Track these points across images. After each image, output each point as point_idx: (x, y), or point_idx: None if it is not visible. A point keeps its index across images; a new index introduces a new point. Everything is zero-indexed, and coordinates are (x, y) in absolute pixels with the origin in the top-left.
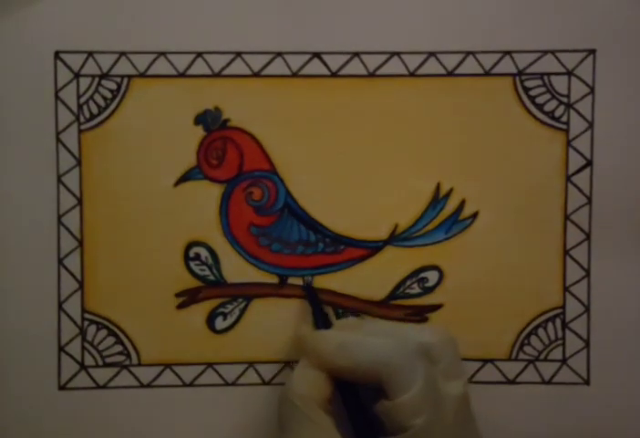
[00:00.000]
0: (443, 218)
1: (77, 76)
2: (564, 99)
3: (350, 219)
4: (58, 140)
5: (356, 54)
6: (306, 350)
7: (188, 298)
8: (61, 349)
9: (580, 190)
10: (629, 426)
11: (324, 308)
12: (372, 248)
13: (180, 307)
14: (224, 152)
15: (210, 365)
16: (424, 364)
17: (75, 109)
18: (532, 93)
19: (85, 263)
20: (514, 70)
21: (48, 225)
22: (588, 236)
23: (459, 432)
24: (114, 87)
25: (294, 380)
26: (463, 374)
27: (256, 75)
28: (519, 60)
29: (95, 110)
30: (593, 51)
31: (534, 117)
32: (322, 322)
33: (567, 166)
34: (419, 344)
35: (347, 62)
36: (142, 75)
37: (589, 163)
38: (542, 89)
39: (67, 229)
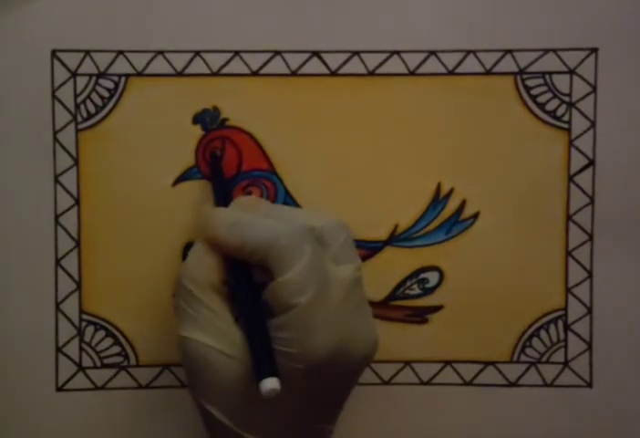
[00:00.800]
0: (444, 218)
1: (74, 75)
2: (566, 98)
3: (350, 219)
4: (55, 140)
5: (356, 52)
6: (201, 227)
7: None
8: (59, 349)
9: (582, 190)
10: (632, 429)
11: (226, 185)
12: (372, 249)
13: None
14: (223, 152)
15: None
16: (312, 246)
17: (72, 108)
18: (534, 92)
19: (82, 263)
20: (515, 69)
21: (46, 226)
22: (591, 237)
23: (347, 315)
24: (111, 86)
25: (188, 264)
26: (355, 259)
27: (255, 74)
28: (520, 59)
29: (92, 110)
30: (594, 50)
31: (536, 116)
32: (221, 199)
33: (569, 166)
34: (310, 227)
35: (347, 61)
36: (140, 74)
37: (591, 163)
38: (544, 88)
39: (65, 229)
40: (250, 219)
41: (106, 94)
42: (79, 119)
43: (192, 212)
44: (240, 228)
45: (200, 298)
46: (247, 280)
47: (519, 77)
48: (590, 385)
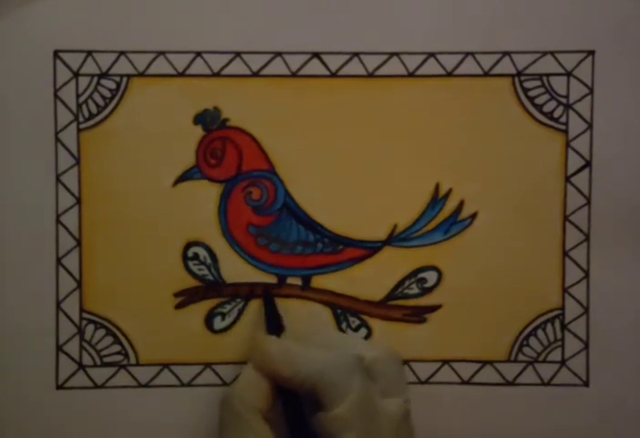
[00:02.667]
0: (442, 219)
1: (76, 75)
2: (563, 100)
3: (349, 219)
4: (57, 140)
5: (356, 54)
6: (253, 354)
7: (186, 298)
8: (59, 348)
9: (579, 190)
10: (628, 427)
11: (278, 314)
12: (371, 248)
13: (179, 306)
14: (223, 152)
15: (208, 365)
16: (361, 379)
17: (74, 108)
18: (531, 94)
19: (83, 262)
20: (513, 71)
21: (47, 225)
22: (587, 237)
23: None
24: (113, 86)
25: (238, 385)
26: (404, 393)
27: (255, 75)
28: (518, 61)
29: (94, 110)
30: (592, 52)
31: (533, 117)
32: (273, 327)
33: (566, 167)
34: (359, 359)
35: (347, 62)
36: (141, 74)
37: (588, 164)
38: (541, 90)
39: (66, 228)
40: (300, 349)
41: (107, 94)
42: (81, 119)
43: (192, 212)
44: (290, 358)
45: (248, 422)
46: (295, 408)
47: (517, 78)
48: (586, 384)
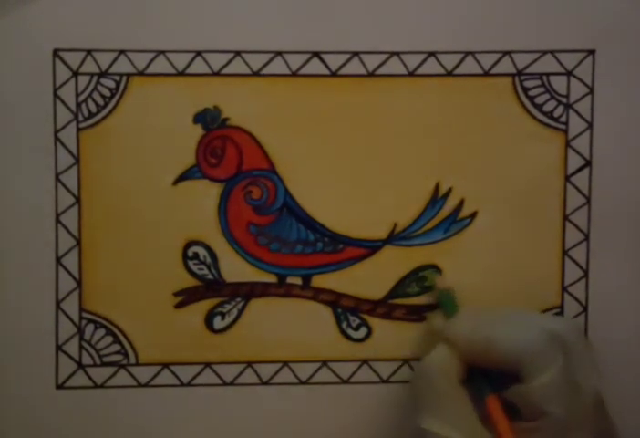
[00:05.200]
0: (442, 218)
1: (75, 74)
2: (563, 100)
3: (349, 218)
4: (57, 139)
5: (356, 53)
6: (445, 338)
7: (186, 298)
8: (59, 348)
9: (579, 190)
10: (628, 427)
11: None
12: (371, 247)
13: (179, 306)
14: (223, 151)
15: (208, 365)
16: (559, 354)
17: (73, 107)
18: (532, 93)
19: (83, 262)
20: (513, 70)
21: (46, 224)
22: (587, 237)
23: (596, 427)
24: (113, 85)
25: (434, 359)
26: (597, 366)
27: (256, 74)
28: (518, 60)
29: (93, 109)
30: (592, 51)
31: (533, 117)
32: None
33: (566, 166)
34: (553, 334)
35: (347, 62)
36: (141, 73)
37: (588, 163)
38: (542, 90)
39: (65, 228)
40: (495, 328)
41: (107, 93)
42: (80, 118)
43: (192, 211)
44: (487, 338)
45: (448, 391)
46: (486, 382)
47: (517, 78)
48: None
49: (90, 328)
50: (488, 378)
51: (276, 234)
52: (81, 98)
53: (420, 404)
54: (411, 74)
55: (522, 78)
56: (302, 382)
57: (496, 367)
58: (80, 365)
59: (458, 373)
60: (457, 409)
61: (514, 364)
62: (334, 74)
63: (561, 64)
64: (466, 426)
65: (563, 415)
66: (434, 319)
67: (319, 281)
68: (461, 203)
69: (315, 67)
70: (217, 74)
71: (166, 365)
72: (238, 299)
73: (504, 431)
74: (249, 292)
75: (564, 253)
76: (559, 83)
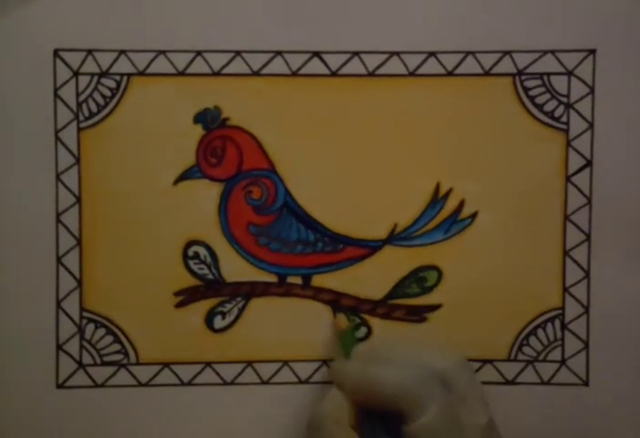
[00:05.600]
0: (442, 218)
1: (76, 74)
2: (564, 99)
3: (349, 218)
4: (57, 139)
5: (356, 53)
6: (333, 377)
7: (186, 297)
8: (59, 347)
9: (580, 190)
10: (628, 427)
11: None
12: (371, 248)
13: (179, 305)
14: (224, 151)
15: (208, 364)
16: (439, 391)
17: (74, 107)
18: (532, 93)
19: (83, 261)
20: (514, 70)
21: (47, 224)
22: (588, 237)
23: None
24: (113, 85)
25: (327, 406)
26: (483, 400)
27: (256, 74)
28: (519, 60)
29: (94, 109)
30: (592, 51)
31: (534, 117)
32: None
33: (567, 166)
34: (433, 370)
35: (347, 61)
36: (142, 73)
37: (589, 164)
38: (542, 89)
39: (66, 227)
40: (377, 368)
41: (107, 93)
42: (81, 117)
43: (192, 211)
44: (369, 381)
45: (339, 435)
46: (376, 427)
47: (517, 78)
48: (586, 383)
49: (91, 327)
50: (382, 420)
51: (276, 234)
52: (82, 97)
53: None
54: (412, 74)
55: (523, 77)
56: (302, 382)
57: (383, 408)
58: (81, 364)
59: (349, 418)
60: None
61: (397, 404)
62: (334, 74)
63: (561, 64)
64: None
65: None
66: (334, 364)
67: (319, 281)
68: (462, 203)
69: (316, 66)
70: (217, 74)
71: (166, 364)
72: (238, 299)
73: None
74: (249, 292)
75: (565, 253)
76: (559, 83)
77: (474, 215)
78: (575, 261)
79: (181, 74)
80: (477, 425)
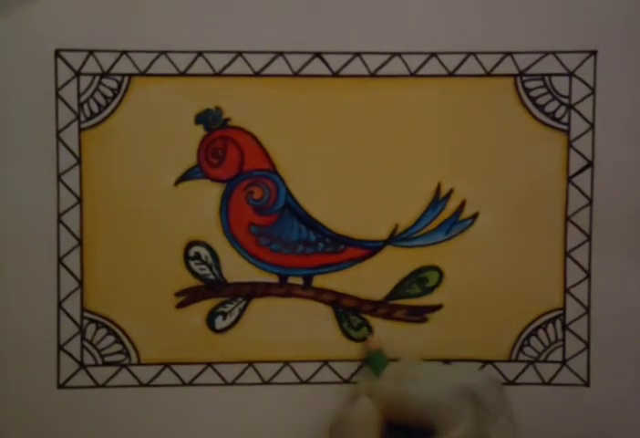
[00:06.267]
0: (443, 219)
1: (77, 74)
2: (565, 100)
3: (350, 219)
4: (59, 139)
5: (358, 54)
6: (371, 395)
7: (187, 298)
8: (60, 347)
9: (581, 191)
10: (629, 427)
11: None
12: (372, 248)
13: (180, 306)
14: (225, 152)
15: (209, 364)
16: (472, 406)
17: (75, 107)
18: (533, 94)
19: (84, 262)
20: (515, 71)
21: (48, 224)
22: (589, 237)
23: None
24: (114, 85)
25: (354, 409)
26: (513, 421)
27: (257, 74)
28: (520, 61)
29: (95, 109)
30: (594, 52)
31: (535, 118)
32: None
33: (568, 167)
34: (465, 387)
35: (348, 62)
36: (143, 74)
37: (590, 164)
38: (543, 90)
39: (67, 228)
40: (410, 389)
41: (109, 93)
42: (82, 118)
43: (193, 211)
44: (401, 394)
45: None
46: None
47: (518, 78)
48: (587, 384)
49: (92, 327)
50: (408, 435)
51: (277, 235)
52: (83, 98)
53: None
54: (413, 74)
55: (524, 78)
56: (303, 382)
57: (413, 423)
58: (82, 365)
59: (377, 428)
60: None
61: (427, 419)
62: (335, 74)
63: (562, 65)
64: None
65: None
66: (362, 380)
67: (320, 281)
68: (463, 204)
69: (317, 67)
70: (218, 74)
71: (167, 365)
72: (239, 299)
73: None
74: (250, 292)
75: (566, 254)
76: (561, 84)
77: (475, 216)
78: (576, 261)
79: (183, 74)
80: None
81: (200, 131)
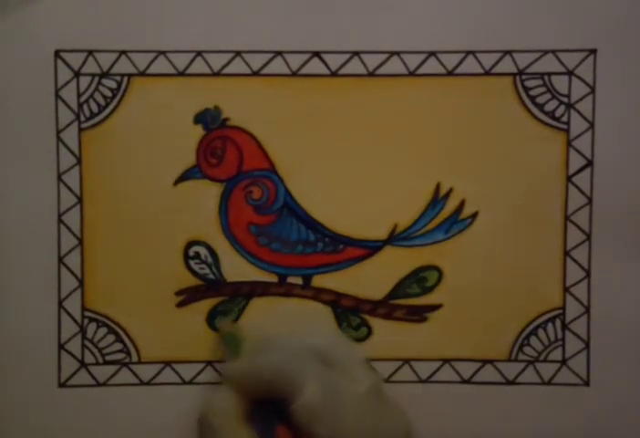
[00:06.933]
0: (443, 218)
1: (77, 75)
2: (565, 99)
3: (350, 218)
4: (59, 139)
5: (356, 53)
6: (224, 380)
7: (187, 297)
8: (61, 346)
9: (580, 190)
10: (629, 427)
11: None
12: (371, 248)
13: (180, 305)
14: (224, 151)
15: (209, 363)
16: (316, 368)
17: (75, 107)
18: (533, 93)
19: (85, 261)
20: (514, 70)
21: (49, 224)
22: (588, 237)
23: (369, 425)
24: (114, 85)
25: (212, 400)
26: (364, 369)
27: (256, 74)
28: (519, 60)
29: (95, 109)
30: (593, 51)
31: (534, 117)
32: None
33: (567, 166)
34: (309, 349)
35: (347, 61)
36: (142, 74)
37: (589, 163)
38: (543, 89)
39: (68, 227)
40: (256, 362)
41: (108, 94)
42: (82, 118)
43: (193, 211)
44: (252, 370)
45: (227, 433)
46: (272, 416)
47: (518, 77)
48: (587, 383)
49: (92, 326)
50: (275, 408)
51: (277, 234)
52: (83, 98)
53: None
54: (412, 74)
55: (523, 77)
56: None
57: (268, 396)
58: (82, 364)
59: (240, 412)
60: None
61: (277, 389)
62: (334, 74)
63: (562, 63)
64: None
65: (329, 434)
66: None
67: (320, 281)
68: (462, 203)
69: (316, 66)
70: (217, 74)
71: (168, 363)
72: (239, 299)
73: None
74: (250, 291)
75: (566, 253)
76: (560, 83)
77: (474, 215)
78: (576, 261)
79: (182, 74)
80: (357, 393)
81: (199, 131)
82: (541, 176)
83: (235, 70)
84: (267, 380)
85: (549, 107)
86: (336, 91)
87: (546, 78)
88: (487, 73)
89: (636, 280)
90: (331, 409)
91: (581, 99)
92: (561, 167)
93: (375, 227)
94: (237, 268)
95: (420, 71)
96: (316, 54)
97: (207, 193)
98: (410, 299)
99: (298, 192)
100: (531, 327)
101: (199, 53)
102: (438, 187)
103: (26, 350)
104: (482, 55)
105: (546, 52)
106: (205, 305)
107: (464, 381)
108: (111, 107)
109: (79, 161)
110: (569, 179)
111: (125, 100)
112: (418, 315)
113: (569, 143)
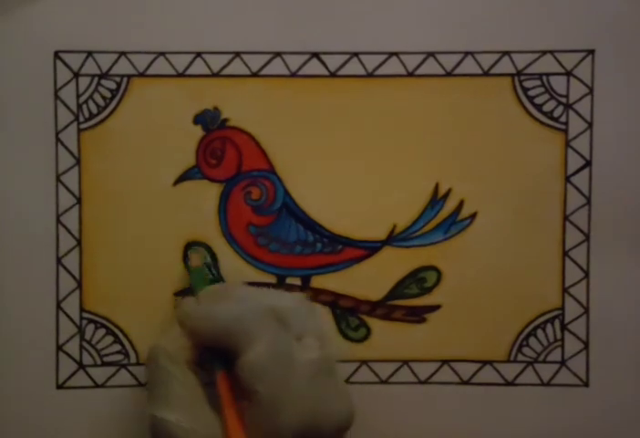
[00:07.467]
0: (442, 219)
1: (76, 75)
2: (563, 100)
3: (348, 219)
4: (58, 140)
5: (355, 54)
6: (176, 312)
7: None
8: (59, 348)
9: (579, 190)
10: (628, 428)
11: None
12: (370, 248)
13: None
14: (223, 152)
15: None
16: (272, 327)
17: (74, 108)
18: (531, 93)
19: (83, 262)
20: (513, 70)
21: (47, 225)
22: (587, 237)
23: (314, 393)
24: (113, 86)
25: (162, 341)
26: (321, 337)
27: (255, 75)
28: (517, 60)
29: (94, 110)
30: (591, 51)
31: (533, 117)
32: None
33: (566, 167)
34: (269, 308)
35: (346, 62)
36: (142, 75)
37: (588, 164)
38: (541, 90)
39: (66, 228)
40: (217, 306)
41: (108, 94)
42: (81, 119)
43: (192, 211)
44: (208, 314)
45: (174, 375)
46: (218, 363)
47: (516, 78)
48: (586, 384)
49: (91, 328)
50: (221, 357)
51: (276, 235)
52: (82, 99)
53: (149, 389)
54: (410, 74)
55: (522, 78)
56: None
57: (216, 344)
58: (81, 365)
59: (187, 355)
60: (182, 392)
61: (226, 340)
62: (333, 75)
63: (560, 64)
64: (192, 409)
65: (269, 395)
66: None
67: (318, 282)
68: (461, 203)
69: (315, 67)
70: (217, 75)
71: None
72: None
73: (225, 407)
74: None
75: (565, 253)
76: (558, 83)
77: (473, 216)
78: (575, 261)
79: (181, 75)
80: (308, 360)
81: (198, 132)
82: (540, 176)
83: (234, 71)
84: (220, 329)
85: (547, 107)
86: (335, 92)
87: (544, 78)
88: (485, 74)
89: (635, 280)
90: (276, 370)
91: (579, 99)
92: (559, 167)
93: (374, 228)
94: (236, 269)
95: (419, 72)
96: (315, 55)
97: (206, 194)
98: (409, 300)
99: (297, 193)
100: (530, 327)
101: (198, 54)
102: (436, 187)
103: (24, 351)
104: (481, 55)
105: (544, 53)
106: None
107: (463, 382)
108: (111, 107)
109: (78, 161)
110: (567, 179)
111: (124, 101)
112: (417, 315)
113: (567, 143)
